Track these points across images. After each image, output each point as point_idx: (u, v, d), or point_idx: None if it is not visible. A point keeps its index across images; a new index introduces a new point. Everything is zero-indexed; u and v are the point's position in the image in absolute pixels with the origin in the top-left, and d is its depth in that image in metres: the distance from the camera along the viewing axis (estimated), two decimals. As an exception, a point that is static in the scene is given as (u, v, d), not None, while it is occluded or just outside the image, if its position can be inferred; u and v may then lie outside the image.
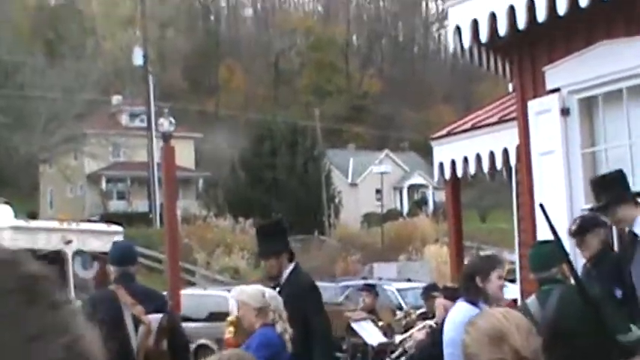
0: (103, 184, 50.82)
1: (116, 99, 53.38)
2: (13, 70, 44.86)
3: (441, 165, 9.65)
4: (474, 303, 5.17)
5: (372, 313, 11.36)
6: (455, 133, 9.60)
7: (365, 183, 57.94)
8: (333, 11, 77.51)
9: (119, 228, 17.94)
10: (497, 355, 2.45)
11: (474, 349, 2.51)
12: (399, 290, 20.75)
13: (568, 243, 5.37)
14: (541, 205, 4.95)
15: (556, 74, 7.24)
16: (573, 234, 5.68)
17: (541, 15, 6.64)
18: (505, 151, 8.82)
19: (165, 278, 10.71)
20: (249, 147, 46.92)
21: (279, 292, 5.54)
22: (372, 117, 67.68)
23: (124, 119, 52.70)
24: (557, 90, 7.23)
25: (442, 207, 41.45)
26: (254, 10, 77.97)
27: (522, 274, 9.35)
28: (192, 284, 28.74)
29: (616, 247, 6.15)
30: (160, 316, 5.68)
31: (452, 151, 9.51)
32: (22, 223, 17.33)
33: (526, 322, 2.52)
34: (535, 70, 7.45)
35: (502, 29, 6.99)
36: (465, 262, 11.92)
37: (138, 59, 43.08)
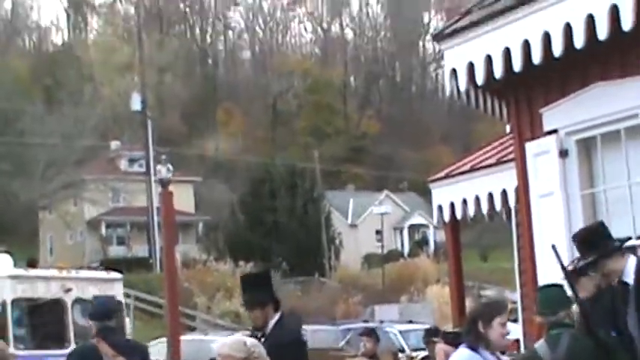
0: (103, 230, 50.72)
1: (115, 144, 53.51)
2: (13, 118, 45.05)
3: (440, 207, 9.63)
4: (474, 349, 5.14)
5: (374, 358, 11.23)
6: (453, 175, 9.59)
7: (365, 224, 57.83)
8: (330, 53, 78.04)
9: (118, 275, 17.85)
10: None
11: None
12: (401, 332, 20.61)
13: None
14: (553, 246, 4.94)
15: (553, 116, 7.24)
16: (569, 276, 5.64)
17: (537, 57, 6.66)
18: (504, 193, 8.80)
19: (166, 323, 10.63)
20: (248, 190, 46.93)
21: (264, 343, 5.49)
22: (371, 158, 67.78)
23: (123, 164, 52.77)
24: (554, 131, 7.22)
25: (443, 246, 41.34)
26: (252, 53, 78.51)
27: (524, 316, 9.28)
28: (193, 329, 28.55)
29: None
30: None
31: (450, 194, 9.49)
32: (21, 272, 17.23)
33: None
34: (532, 111, 7.45)
35: (498, 72, 7.01)
36: (467, 303, 11.86)
37: (136, 104, 43.27)
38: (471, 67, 7.22)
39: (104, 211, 50.25)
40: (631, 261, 5.17)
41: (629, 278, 5.11)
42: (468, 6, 7.65)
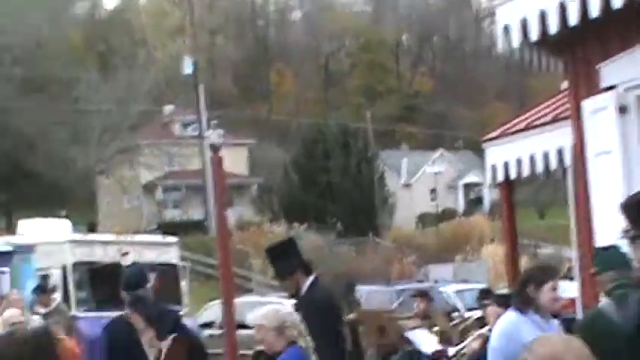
0: (159, 194, 51.34)
1: (168, 109, 53.90)
2: (68, 86, 45.67)
3: (494, 167, 9.45)
4: (522, 312, 5.19)
5: (427, 319, 11.18)
6: (507, 134, 9.39)
7: (419, 183, 57.59)
8: (381, 11, 77.18)
9: (174, 239, 18.07)
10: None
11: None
12: (456, 292, 20.51)
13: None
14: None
15: (611, 71, 7.01)
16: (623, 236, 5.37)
17: (594, 10, 6.43)
18: (560, 151, 8.59)
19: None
20: (301, 151, 46.94)
21: (297, 308, 5.56)
22: (425, 116, 67.23)
23: (177, 128, 53.18)
24: (613, 87, 6.99)
25: (498, 205, 40.96)
26: (302, 13, 78.07)
27: (582, 276, 9.11)
28: (249, 290, 28.83)
29: None
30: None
31: (504, 153, 9.29)
32: (80, 236, 17.62)
33: (587, 353, 2.38)
34: (589, 67, 7.22)
35: (553, 27, 6.79)
36: (523, 262, 11.71)
37: (188, 68, 43.43)
38: (524, 23, 7.02)
39: (159, 175, 50.82)
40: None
41: None
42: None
